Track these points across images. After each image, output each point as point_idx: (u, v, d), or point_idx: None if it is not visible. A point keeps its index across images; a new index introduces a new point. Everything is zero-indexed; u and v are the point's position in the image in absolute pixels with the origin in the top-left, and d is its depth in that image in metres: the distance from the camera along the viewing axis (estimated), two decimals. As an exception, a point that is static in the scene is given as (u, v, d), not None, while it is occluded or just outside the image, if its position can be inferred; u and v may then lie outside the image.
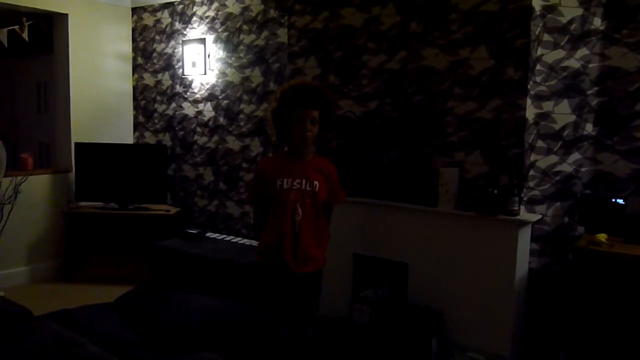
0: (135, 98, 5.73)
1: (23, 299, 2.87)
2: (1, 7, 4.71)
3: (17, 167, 4.97)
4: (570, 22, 3.17)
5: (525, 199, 3.22)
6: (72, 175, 5.18)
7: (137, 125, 5.74)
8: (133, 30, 5.66)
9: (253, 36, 4.68)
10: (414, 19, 3.46)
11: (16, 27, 4.80)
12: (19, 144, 6.72)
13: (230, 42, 4.85)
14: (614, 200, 3.04)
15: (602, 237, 2.92)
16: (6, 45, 4.77)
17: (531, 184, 3.26)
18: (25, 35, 4.84)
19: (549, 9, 3.17)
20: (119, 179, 5.13)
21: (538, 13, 3.13)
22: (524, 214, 3.18)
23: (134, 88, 5.72)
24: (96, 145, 5.14)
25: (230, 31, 4.84)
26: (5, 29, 4.75)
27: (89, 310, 3.08)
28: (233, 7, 4.80)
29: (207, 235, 4.83)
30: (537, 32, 3.14)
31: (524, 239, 3.18)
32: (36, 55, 6.30)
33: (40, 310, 3.01)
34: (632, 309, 2.74)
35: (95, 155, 5.12)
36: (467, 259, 3.22)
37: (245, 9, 4.72)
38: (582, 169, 3.24)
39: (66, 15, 5.08)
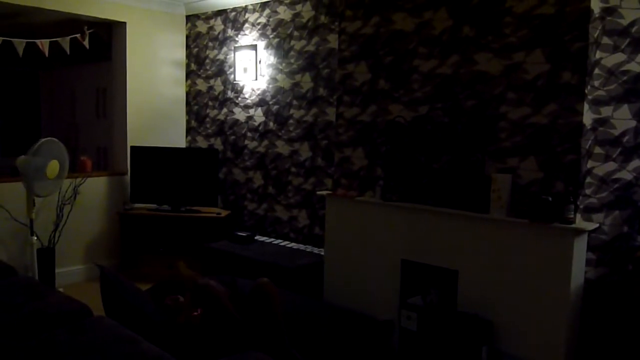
0: (188, 103, 5.87)
1: (81, 296, 2.98)
2: (64, 16, 4.94)
3: (77, 169, 5.17)
4: (632, 24, 3.06)
5: (581, 206, 3.12)
6: (128, 177, 5.35)
7: (189, 130, 5.88)
8: (187, 37, 5.81)
9: (304, 42, 4.73)
10: (467, 23, 3.42)
11: (78, 35, 5.02)
12: (79, 147, 7.01)
13: (281, 48, 4.91)
14: (677, 209, 2.91)
15: (665, 247, 2.80)
16: (68, 53, 4.99)
17: (588, 191, 3.15)
18: (86, 43, 5.05)
19: (608, 10, 3.07)
20: (171, 181, 5.26)
21: (597, 15, 3.03)
22: (580, 222, 3.08)
23: (187, 94, 5.87)
24: (150, 148, 5.30)
25: (281, 37, 4.90)
26: (68, 37, 4.97)
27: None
28: (284, 14, 4.86)
29: (256, 238, 4.89)
30: (595, 35, 3.05)
31: (580, 248, 3.07)
32: (96, 62, 6.56)
33: (96, 307, 3.11)
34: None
35: (150, 158, 5.28)
36: (519, 267, 3.14)
37: (296, 15, 4.77)
38: (643, 177, 3.11)
39: (124, 23, 5.27)
